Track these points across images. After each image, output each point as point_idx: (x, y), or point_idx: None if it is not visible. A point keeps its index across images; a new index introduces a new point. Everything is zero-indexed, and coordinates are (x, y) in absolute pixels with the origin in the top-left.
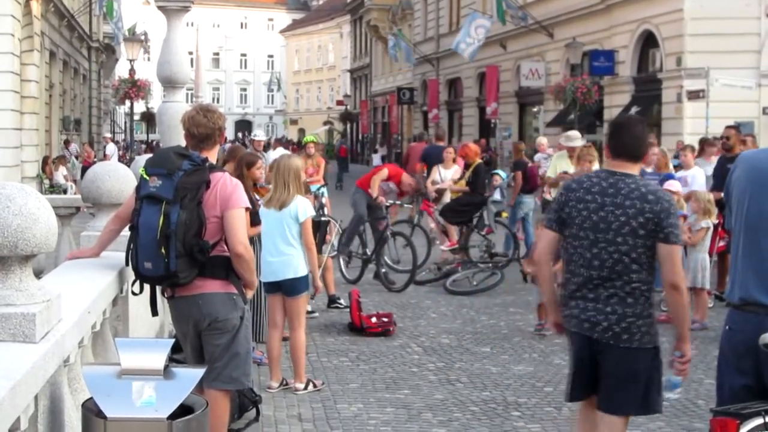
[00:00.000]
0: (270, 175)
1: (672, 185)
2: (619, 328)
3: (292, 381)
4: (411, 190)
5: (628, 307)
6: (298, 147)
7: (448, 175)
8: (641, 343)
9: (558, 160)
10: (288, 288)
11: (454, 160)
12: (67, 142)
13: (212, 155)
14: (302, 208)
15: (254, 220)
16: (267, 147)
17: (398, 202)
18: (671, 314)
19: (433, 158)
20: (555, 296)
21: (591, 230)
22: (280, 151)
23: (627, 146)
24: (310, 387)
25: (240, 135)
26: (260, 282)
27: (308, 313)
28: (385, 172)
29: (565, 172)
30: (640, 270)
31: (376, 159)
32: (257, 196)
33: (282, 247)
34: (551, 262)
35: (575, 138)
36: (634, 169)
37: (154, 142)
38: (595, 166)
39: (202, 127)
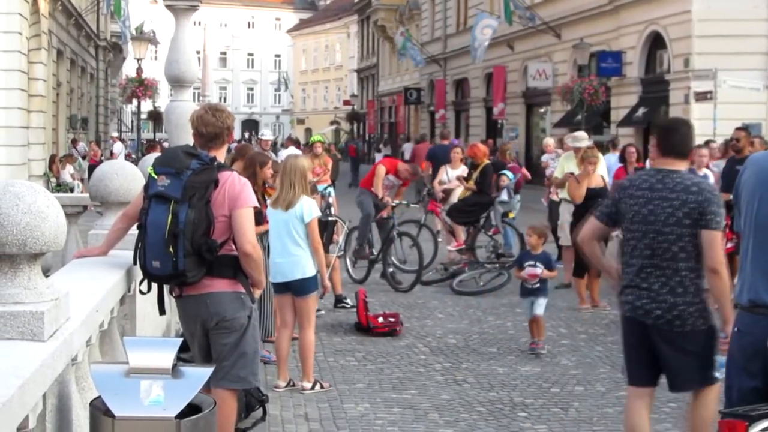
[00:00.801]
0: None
1: None
2: (671, 316)
3: (299, 381)
4: (410, 175)
5: (678, 297)
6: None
7: (454, 175)
8: (694, 326)
9: (565, 160)
10: (297, 288)
11: (462, 160)
12: (74, 141)
13: (221, 154)
14: (308, 208)
15: (258, 219)
16: (275, 146)
17: (404, 202)
18: (713, 298)
19: (439, 157)
20: (605, 263)
21: (641, 223)
22: (292, 150)
23: (676, 146)
24: (318, 387)
25: (247, 135)
26: (267, 281)
27: (350, 306)
28: (382, 170)
29: (571, 174)
30: (687, 258)
31: (379, 158)
32: (266, 196)
33: (290, 247)
34: (594, 242)
35: (582, 139)
36: (681, 166)
37: (161, 141)
38: (601, 167)
39: (211, 126)
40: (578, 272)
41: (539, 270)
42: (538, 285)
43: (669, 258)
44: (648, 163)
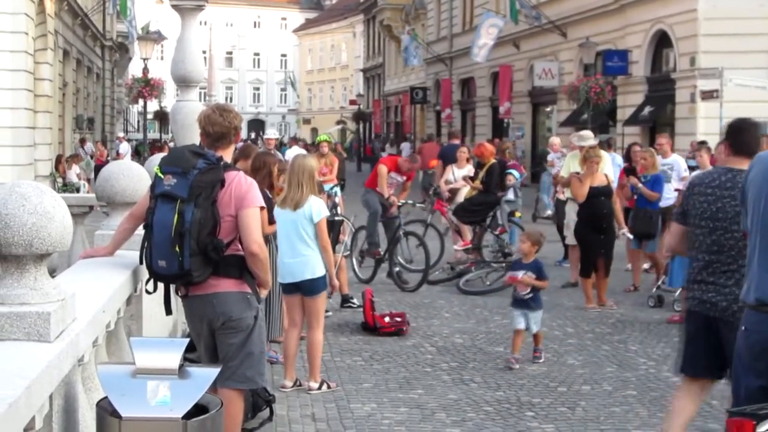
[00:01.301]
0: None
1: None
2: (737, 307)
3: (305, 381)
4: (410, 165)
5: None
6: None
7: (460, 175)
8: None
9: (571, 159)
10: (307, 288)
11: (468, 160)
12: (82, 141)
13: (228, 154)
14: (317, 208)
15: (270, 218)
16: (280, 145)
17: (410, 202)
18: None
19: (449, 157)
20: None
21: (709, 219)
22: (296, 150)
23: (746, 145)
24: (324, 387)
25: (254, 135)
26: (273, 281)
27: (357, 305)
28: (384, 169)
29: (576, 173)
30: None
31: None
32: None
33: (299, 247)
34: (684, 244)
35: (588, 137)
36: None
37: (166, 141)
38: (605, 165)
39: (218, 126)
40: (585, 272)
41: (521, 275)
42: (530, 295)
43: (735, 254)
44: (659, 159)
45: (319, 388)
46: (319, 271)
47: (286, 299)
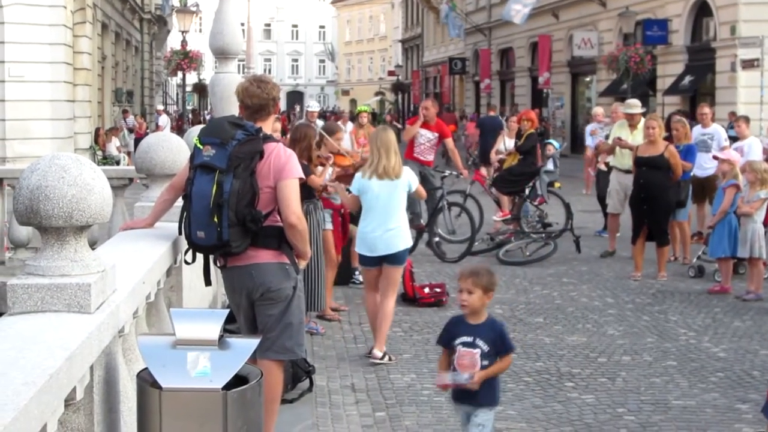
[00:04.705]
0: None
1: (729, 155)
2: None
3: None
4: (431, 106)
5: None
6: (337, 117)
7: (511, 144)
8: None
9: (618, 129)
10: (397, 258)
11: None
12: (125, 112)
13: (267, 126)
14: (410, 175)
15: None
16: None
17: (453, 173)
18: None
19: (487, 127)
20: None
21: None
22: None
23: None
24: (386, 359)
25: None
26: (314, 251)
27: (359, 282)
28: (411, 129)
29: (620, 138)
30: None
31: None
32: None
33: (395, 217)
34: None
35: (634, 105)
36: None
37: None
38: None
39: (256, 98)
40: (632, 239)
41: (477, 353)
42: (472, 377)
43: None
44: (694, 131)
45: (382, 358)
46: (409, 240)
47: (369, 271)
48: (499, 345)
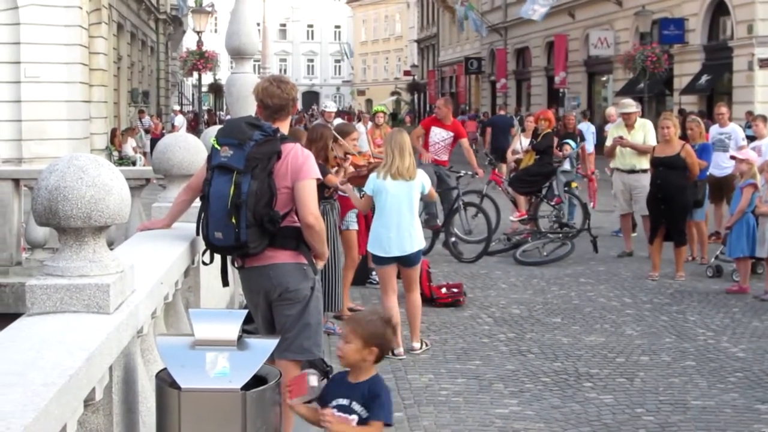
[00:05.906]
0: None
1: (747, 154)
2: None
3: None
4: (444, 104)
5: None
6: (352, 117)
7: (527, 144)
8: None
9: (616, 129)
10: (412, 259)
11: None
12: (141, 113)
13: (285, 126)
14: (424, 177)
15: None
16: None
17: (469, 173)
18: None
19: (498, 126)
20: None
21: None
22: (337, 121)
23: None
24: (423, 346)
25: (315, 107)
26: (332, 252)
27: (376, 282)
28: (420, 130)
29: (621, 137)
30: None
31: None
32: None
33: (408, 218)
34: None
35: (629, 105)
36: None
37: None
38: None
39: (276, 98)
40: (649, 239)
41: (354, 420)
42: None
43: None
44: (711, 130)
45: (420, 347)
46: (422, 241)
47: (384, 270)
48: (369, 407)
